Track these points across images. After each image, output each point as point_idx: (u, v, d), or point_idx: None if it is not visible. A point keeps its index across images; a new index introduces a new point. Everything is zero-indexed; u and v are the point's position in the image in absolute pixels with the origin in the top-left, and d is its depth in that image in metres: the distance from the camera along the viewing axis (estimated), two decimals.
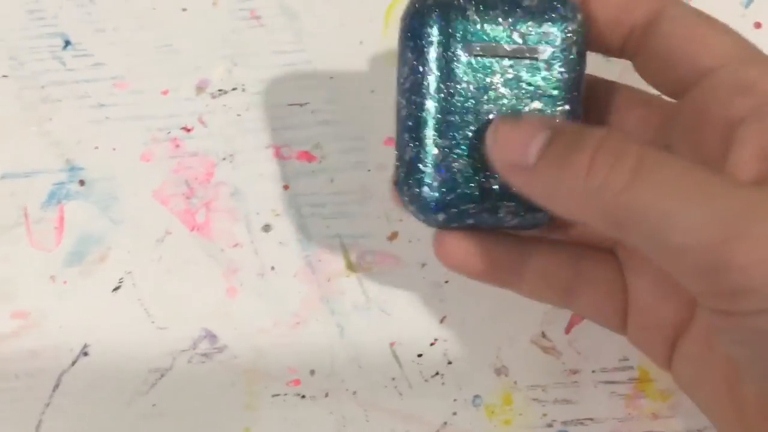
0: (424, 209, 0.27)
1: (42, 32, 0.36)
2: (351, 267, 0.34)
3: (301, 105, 0.35)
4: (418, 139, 0.26)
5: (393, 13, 0.36)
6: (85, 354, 0.34)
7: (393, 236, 0.34)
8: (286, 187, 0.35)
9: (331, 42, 0.36)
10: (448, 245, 0.28)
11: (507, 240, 0.29)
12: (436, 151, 0.26)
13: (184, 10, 0.36)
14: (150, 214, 0.34)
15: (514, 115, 0.26)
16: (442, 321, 0.34)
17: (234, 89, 0.35)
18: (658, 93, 0.28)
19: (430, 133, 0.26)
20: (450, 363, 0.34)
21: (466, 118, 0.26)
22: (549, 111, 0.27)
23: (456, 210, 0.27)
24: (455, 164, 0.26)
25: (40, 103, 0.35)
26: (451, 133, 0.26)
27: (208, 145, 0.35)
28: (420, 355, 0.34)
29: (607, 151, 0.23)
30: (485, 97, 0.26)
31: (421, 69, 0.26)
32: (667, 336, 0.28)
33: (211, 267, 0.34)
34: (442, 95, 0.26)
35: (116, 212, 0.34)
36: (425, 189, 0.26)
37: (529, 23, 0.26)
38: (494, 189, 0.27)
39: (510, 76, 0.27)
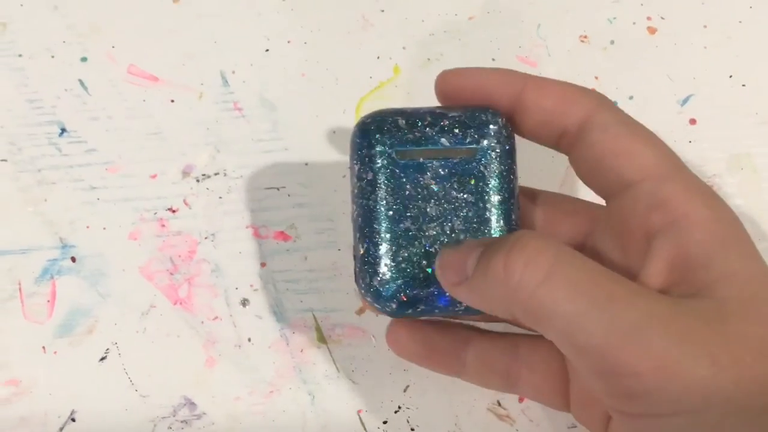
0: (377, 299, 0.30)
1: (40, 120, 0.39)
2: (322, 339, 0.37)
3: (278, 189, 0.38)
4: (367, 237, 0.30)
5: (363, 105, 0.40)
6: (73, 420, 0.36)
7: (361, 311, 0.37)
8: (263, 265, 0.37)
9: (306, 131, 0.39)
10: (398, 335, 0.31)
11: (450, 330, 0.32)
12: (382, 246, 0.30)
13: (173, 101, 0.39)
14: (136, 288, 0.37)
15: (455, 241, 0.29)
16: (405, 390, 0.37)
17: (217, 174, 0.38)
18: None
19: (376, 232, 0.30)
20: (413, 430, 0.36)
21: (407, 215, 0.30)
22: (481, 205, 0.30)
23: (406, 299, 0.30)
24: (401, 257, 0.30)
25: (36, 185, 0.38)
26: (394, 230, 0.30)
27: (191, 225, 0.38)
28: (385, 422, 0.36)
29: (519, 251, 0.24)
30: (423, 196, 0.30)
31: (364, 176, 0.30)
32: (605, 412, 0.29)
33: (191, 338, 0.37)
34: (384, 198, 0.30)
35: (104, 287, 0.37)
36: (375, 281, 0.30)
37: (456, 131, 0.30)
38: (434, 279, 0.29)
39: (443, 176, 0.30)
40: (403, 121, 0.30)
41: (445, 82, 0.30)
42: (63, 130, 0.39)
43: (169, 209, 0.38)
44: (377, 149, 0.30)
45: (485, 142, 0.30)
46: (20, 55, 0.39)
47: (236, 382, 0.36)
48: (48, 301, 0.37)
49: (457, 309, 0.30)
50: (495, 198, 0.30)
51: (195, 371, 0.36)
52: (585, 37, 0.40)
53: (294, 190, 0.38)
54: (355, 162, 0.30)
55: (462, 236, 0.30)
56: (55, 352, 0.36)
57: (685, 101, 0.39)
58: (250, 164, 0.38)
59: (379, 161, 0.30)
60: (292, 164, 0.38)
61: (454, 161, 0.30)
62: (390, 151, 0.30)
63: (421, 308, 0.30)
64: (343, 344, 0.37)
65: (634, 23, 0.40)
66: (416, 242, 0.30)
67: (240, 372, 0.36)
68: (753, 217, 0.38)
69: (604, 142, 0.28)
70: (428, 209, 0.30)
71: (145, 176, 0.38)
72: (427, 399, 0.36)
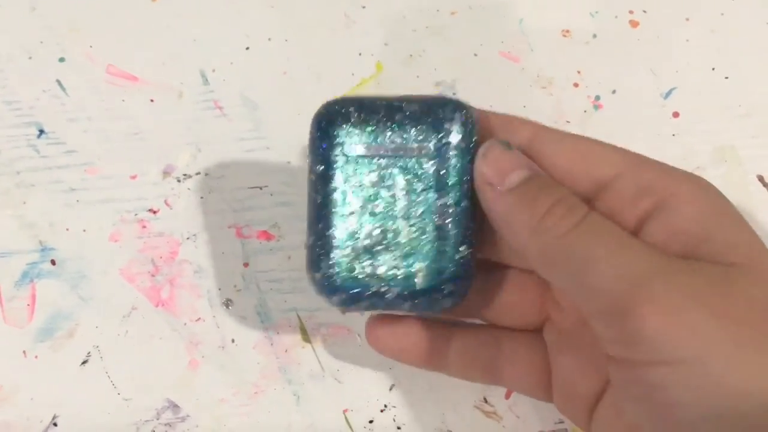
0: (321, 291, 0.30)
1: (18, 122, 0.38)
2: (307, 338, 0.37)
3: (260, 188, 0.38)
4: (315, 228, 0.29)
5: None
6: (55, 425, 0.35)
7: (345, 309, 0.37)
8: (246, 265, 0.37)
9: (288, 130, 0.39)
10: (377, 333, 0.31)
11: (431, 325, 0.32)
12: (329, 239, 0.29)
13: (152, 101, 0.39)
14: (117, 291, 0.37)
15: (506, 143, 0.29)
16: (391, 389, 0.36)
17: (198, 174, 0.38)
18: None
19: (323, 224, 0.29)
20: (399, 428, 0.36)
21: (357, 210, 0.29)
22: (435, 206, 0.29)
23: (346, 293, 0.29)
24: (346, 251, 0.29)
25: (14, 188, 0.37)
26: (342, 224, 0.29)
27: (173, 225, 0.37)
28: (371, 421, 0.36)
29: (563, 203, 0.27)
30: (374, 192, 0.29)
31: (317, 168, 0.29)
32: (587, 404, 0.30)
33: (174, 340, 0.36)
34: (335, 190, 0.29)
35: (85, 290, 0.37)
36: (319, 274, 0.29)
37: (411, 125, 0.29)
38: (381, 275, 0.29)
39: (396, 172, 0.29)
40: (359, 114, 0.29)
41: None
42: (41, 132, 0.38)
43: (150, 210, 0.37)
44: (329, 141, 0.29)
45: (444, 139, 0.29)
46: None
47: (220, 384, 0.36)
48: (28, 305, 0.36)
49: (400, 308, 0.30)
50: (451, 199, 0.29)
51: (178, 373, 0.36)
52: (567, 31, 0.40)
53: (277, 189, 0.38)
54: (309, 153, 0.30)
55: (408, 238, 0.29)
56: (36, 357, 0.36)
57: (668, 94, 0.39)
58: (232, 163, 0.38)
59: (330, 154, 0.29)
60: (274, 163, 0.38)
61: (410, 157, 0.29)
62: (343, 142, 0.29)
63: (366, 304, 0.29)
64: (328, 343, 0.36)
65: (616, 17, 0.40)
66: (363, 238, 0.29)
67: (224, 373, 0.36)
68: (737, 209, 0.37)
69: (562, 152, 0.28)
70: (378, 206, 0.29)
71: (125, 177, 0.38)
72: (413, 397, 0.36)
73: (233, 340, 0.36)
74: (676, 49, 0.40)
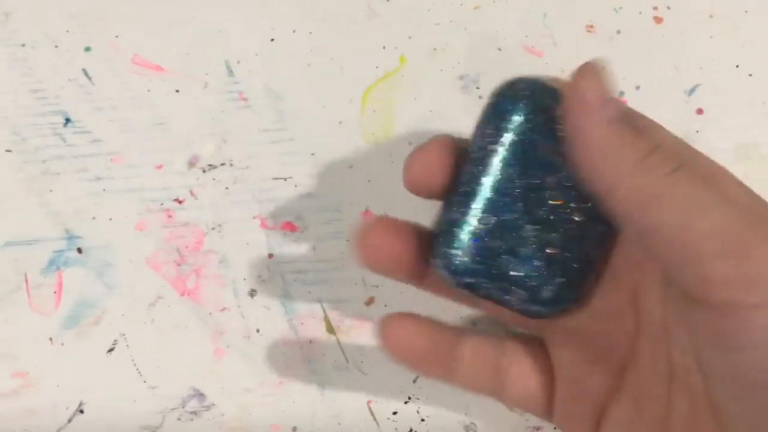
0: (446, 268, 0.28)
1: (44, 110, 0.38)
2: (331, 330, 0.37)
3: (284, 179, 0.38)
4: (465, 206, 0.28)
5: (370, 95, 0.39)
6: (81, 412, 0.36)
7: (370, 301, 0.37)
8: (270, 256, 0.37)
9: (312, 121, 0.39)
10: (392, 337, 0.30)
11: (443, 329, 0.31)
12: (475, 223, 0.28)
13: (178, 91, 0.39)
14: (143, 280, 0.37)
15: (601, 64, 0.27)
16: (415, 381, 0.37)
17: (223, 164, 0.38)
18: None
19: (476, 206, 0.28)
20: (423, 420, 0.36)
21: (513, 204, 0.28)
22: (581, 237, 0.28)
23: (473, 280, 0.28)
24: (487, 240, 0.28)
25: (41, 176, 0.38)
26: (494, 213, 0.28)
27: (198, 215, 0.38)
28: (395, 413, 0.36)
29: (665, 146, 0.26)
30: (536, 193, 0.28)
31: (492, 146, 0.28)
32: (596, 404, 0.30)
33: (200, 330, 0.37)
34: (501, 177, 0.28)
35: (111, 278, 0.37)
36: (453, 252, 0.28)
37: None
38: (512, 274, 0.28)
39: (565, 183, 0.28)
40: (557, 108, 0.27)
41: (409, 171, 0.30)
42: (67, 121, 0.38)
43: (175, 200, 0.38)
44: (519, 125, 0.27)
45: None
46: (23, 45, 0.39)
47: (245, 373, 0.36)
48: (54, 292, 0.36)
49: (511, 306, 0.29)
50: (591, 242, 0.28)
51: (203, 362, 0.36)
52: (591, 26, 0.40)
53: (301, 180, 0.38)
54: (487, 126, 0.28)
55: (544, 247, 0.28)
56: (62, 344, 0.36)
57: (692, 91, 0.39)
58: (257, 154, 0.38)
59: (514, 138, 0.27)
60: (298, 154, 0.38)
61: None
62: (531, 133, 0.27)
63: (482, 293, 0.29)
64: (352, 335, 0.37)
65: (640, 13, 0.40)
66: (508, 235, 0.28)
67: (249, 363, 0.36)
68: None
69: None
70: (536, 209, 0.28)
71: (151, 167, 0.38)
72: (437, 389, 0.36)
73: (258, 330, 0.37)
74: (700, 46, 0.40)
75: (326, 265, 0.37)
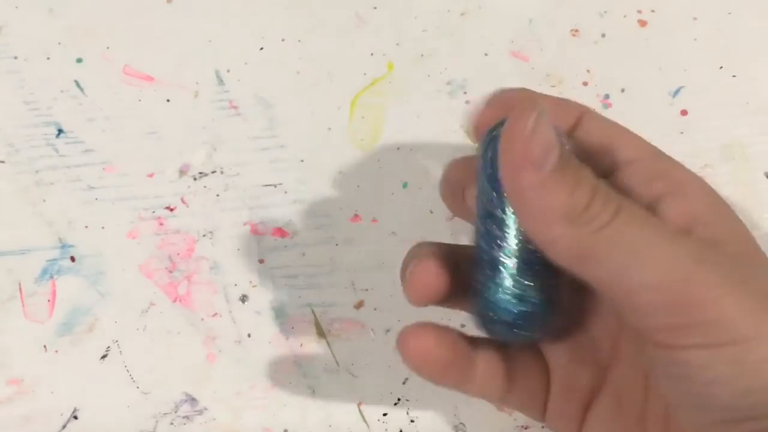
0: (485, 322, 0.29)
1: (37, 121, 0.39)
2: (321, 333, 0.37)
3: (274, 186, 0.39)
4: (498, 269, 0.28)
5: (358, 102, 0.40)
6: (75, 418, 0.36)
7: (359, 305, 0.38)
8: (261, 261, 0.38)
9: (302, 128, 0.39)
10: (412, 349, 0.30)
11: (460, 338, 0.31)
12: (507, 282, 0.28)
13: (168, 101, 0.39)
14: (135, 287, 0.37)
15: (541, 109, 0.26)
16: (404, 382, 0.37)
17: (213, 172, 0.39)
18: None
19: (506, 271, 0.28)
20: (412, 421, 0.37)
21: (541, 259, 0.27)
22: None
23: (505, 327, 0.28)
24: (520, 292, 0.28)
25: (34, 186, 0.38)
26: (524, 273, 0.28)
27: (189, 223, 0.38)
28: (385, 414, 0.37)
29: (602, 194, 0.25)
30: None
31: (503, 206, 0.27)
32: (583, 400, 0.30)
33: (191, 335, 0.37)
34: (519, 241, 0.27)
35: (104, 286, 0.37)
36: (492, 308, 0.28)
37: None
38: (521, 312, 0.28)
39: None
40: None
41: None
42: (60, 131, 0.39)
43: (167, 208, 0.38)
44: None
45: None
46: (16, 57, 0.40)
47: (237, 378, 0.36)
48: (48, 300, 0.37)
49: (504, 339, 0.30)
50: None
51: (196, 367, 0.37)
52: (576, 31, 0.41)
53: (291, 186, 0.38)
54: (488, 188, 0.27)
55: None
56: (56, 351, 0.37)
57: (676, 92, 0.40)
58: (247, 162, 0.39)
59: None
60: (288, 161, 0.39)
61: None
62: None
63: (498, 337, 0.29)
64: (341, 338, 0.37)
65: (624, 16, 0.41)
66: (537, 281, 0.28)
67: (240, 367, 0.37)
68: (745, 206, 0.38)
69: (598, 130, 0.29)
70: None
71: (143, 175, 0.38)
72: (427, 390, 0.37)
73: (249, 335, 0.37)
74: (684, 48, 0.40)
75: (316, 270, 0.38)
